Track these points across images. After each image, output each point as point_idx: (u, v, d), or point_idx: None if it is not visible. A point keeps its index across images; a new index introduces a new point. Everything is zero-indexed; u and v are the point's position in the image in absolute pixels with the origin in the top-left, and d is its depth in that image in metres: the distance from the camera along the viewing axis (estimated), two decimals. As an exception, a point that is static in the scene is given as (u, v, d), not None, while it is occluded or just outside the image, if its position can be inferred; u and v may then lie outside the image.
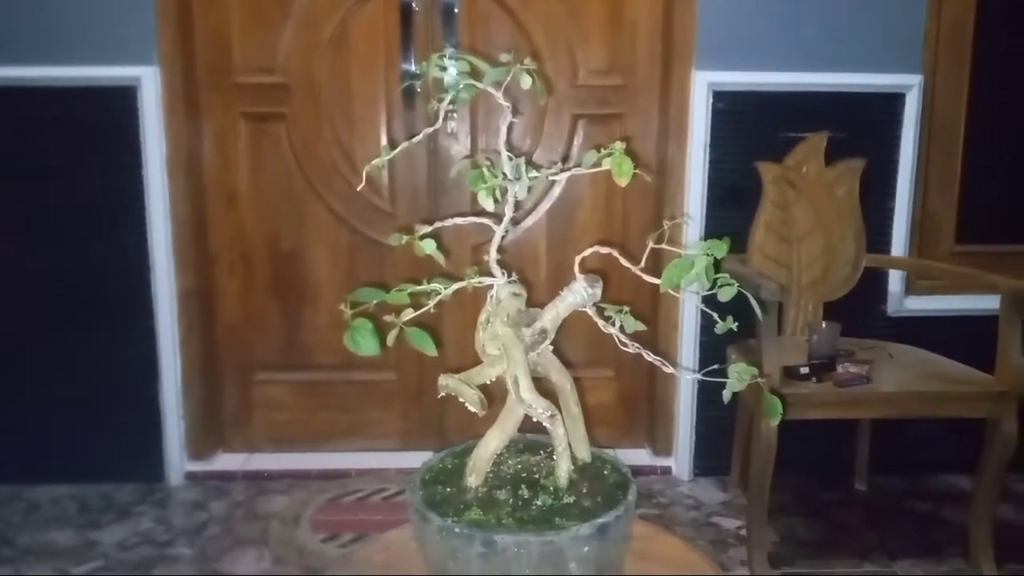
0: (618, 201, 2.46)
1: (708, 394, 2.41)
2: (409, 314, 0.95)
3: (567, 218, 2.47)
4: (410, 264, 2.40)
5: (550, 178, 0.95)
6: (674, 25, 2.28)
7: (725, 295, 0.97)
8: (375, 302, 0.96)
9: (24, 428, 2.36)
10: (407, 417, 2.56)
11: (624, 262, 1.01)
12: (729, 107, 2.28)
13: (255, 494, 2.36)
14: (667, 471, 2.50)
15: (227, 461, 2.51)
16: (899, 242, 2.37)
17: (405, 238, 0.98)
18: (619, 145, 0.96)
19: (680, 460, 2.47)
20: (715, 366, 1.05)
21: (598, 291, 0.99)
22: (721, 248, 0.97)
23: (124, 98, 2.22)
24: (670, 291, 0.96)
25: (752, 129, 2.29)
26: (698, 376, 1.03)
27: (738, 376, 1.00)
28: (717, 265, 0.95)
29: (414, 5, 2.32)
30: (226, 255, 2.46)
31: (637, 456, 2.55)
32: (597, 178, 2.42)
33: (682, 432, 2.45)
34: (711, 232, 2.33)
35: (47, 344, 2.33)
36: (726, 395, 0.99)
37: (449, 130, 2.40)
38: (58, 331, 2.33)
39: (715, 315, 1.00)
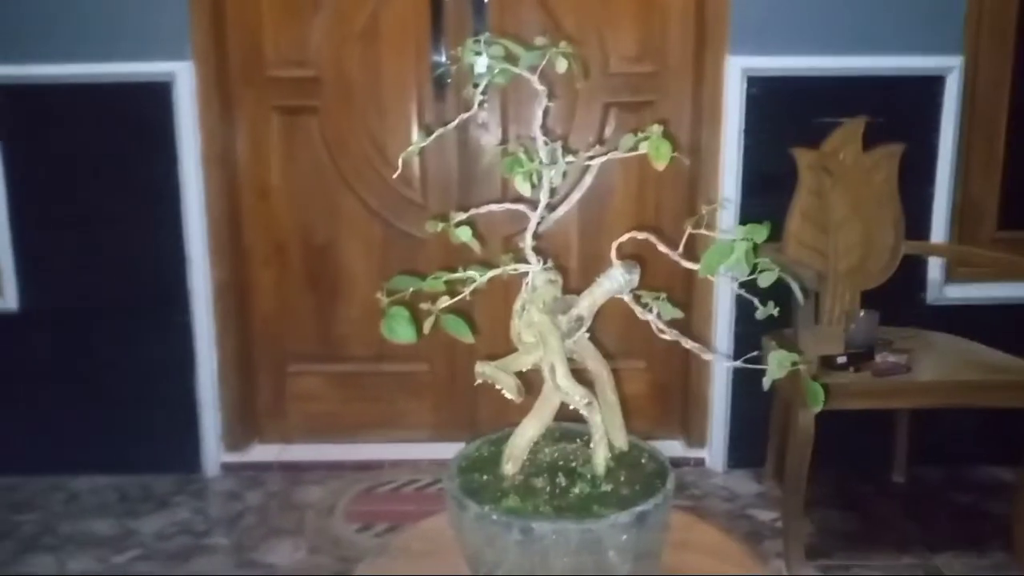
0: (651, 189, 2.44)
1: (742, 385, 2.38)
2: (445, 302, 0.95)
3: (599, 206, 2.45)
4: (443, 255, 2.40)
5: (586, 163, 0.94)
6: (706, 9, 2.25)
7: (765, 280, 0.95)
8: (411, 291, 0.96)
9: (64, 420, 2.41)
10: (439, 408, 2.56)
11: (662, 247, 0.99)
12: (764, 93, 2.25)
13: (290, 485, 2.38)
14: (700, 463, 2.48)
15: (262, 452, 2.53)
16: (939, 229, 2.32)
17: (441, 225, 0.97)
18: (656, 128, 0.94)
19: (714, 452, 2.45)
20: (752, 353, 1.03)
21: (635, 277, 0.97)
22: (761, 232, 0.95)
23: (159, 93, 2.24)
24: (708, 277, 0.95)
25: (787, 115, 2.25)
26: (737, 364, 1.01)
27: (779, 363, 0.99)
28: (756, 250, 0.93)
29: (444, -5, 2.31)
30: (260, 248, 2.48)
31: (670, 448, 2.53)
32: (629, 166, 2.40)
33: (716, 423, 2.43)
34: (746, 220, 2.29)
35: (87, 337, 2.37)
36: (766, 382, 0.97)
37: (480, 120, 2.40)
38: (98, 324, 2.36)
39: (755, 300, 0.98)
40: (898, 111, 2.25)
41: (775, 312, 0.92)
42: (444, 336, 0.97)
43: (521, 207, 0.99)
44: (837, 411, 1.83)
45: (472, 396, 2.52)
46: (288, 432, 2.58)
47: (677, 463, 2.47)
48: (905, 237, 2.25)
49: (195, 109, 2.25)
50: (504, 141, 2.41)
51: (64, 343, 2.38)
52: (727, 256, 0.94)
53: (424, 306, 0.95)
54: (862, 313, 2.06)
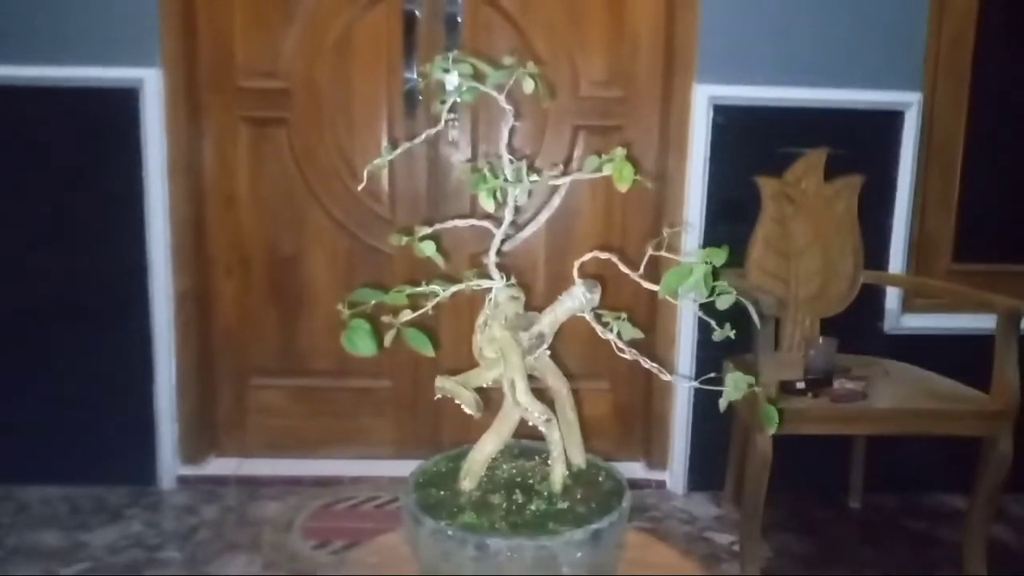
0: (617, 213, 2.46)
1: (704, 408, 2.41)
2: (407, 315, 0.95)
3: (566, 228, 2.47)
4: (409, 270, 2.40)
5: (551, 182, 0.95)
6: (676, 38, 2.29)
7: (723, 303, 0.97)
8: (373, 303, 0.96)
9: (16, 428, 2.35)
10: (401, 425, 2.55)
11: (623, 268, 1.01)
12: (729, 121, 2.29)
13: (247, 499, 2.34)
14: (661, 485, 2.49)
15: (220, 466, 2.49)
16: (897, 260, 2.38)
17: (405, 239, 0.97)
18: (620, 151, 0.96)
19: (675, 474, 2.46)
20: (712, 374, 1.04)
21: (596, 296, 0.99)
22: (720, 256, 0.97)
23: (126, 99, 2.22)
24: (668, 299, 0.97)
25: (752, 143, 2.30)
26: (694, 384, 1.03)
27: (735, 385, 1.00)
28: (716, 274, 0.95)
29: (417, 13, 2.32)
30: (224, 258, 2.45)
31: (631, 469, 2.54)
32: (596, 189, 2.43)
33: (677, 446, 2.45)
34: (709, 245, 2.32)
35: (43, 343, 2.32)
36: (722, 404, 0.99)
37: (450, 139, 2.41)
38: (54, 330, 2.32)
39: (713, 322, 1.00)
40: (859, 144, 2.30)
41: (731, 335, 0.94)
42: (407, 353, 0.97)
43: (486, 224, 0.99)
44: (795, 436, 1.86)
45: (434, 414, 2.51)
46: (247, 446, 2.55)
47: (638, 485, 2.48)
48: (864, 267, 2.30)
49: (162, 116, 2.23)
50: (474, 159, 2.42)
51: (17, 348, 2.32)
52: (686, 278, 0.96)
53: (386, 319, 0.95)
54: (821, 340, 2.09)
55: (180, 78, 2.26)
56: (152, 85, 2.21)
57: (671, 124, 2.32)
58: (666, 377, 1.02)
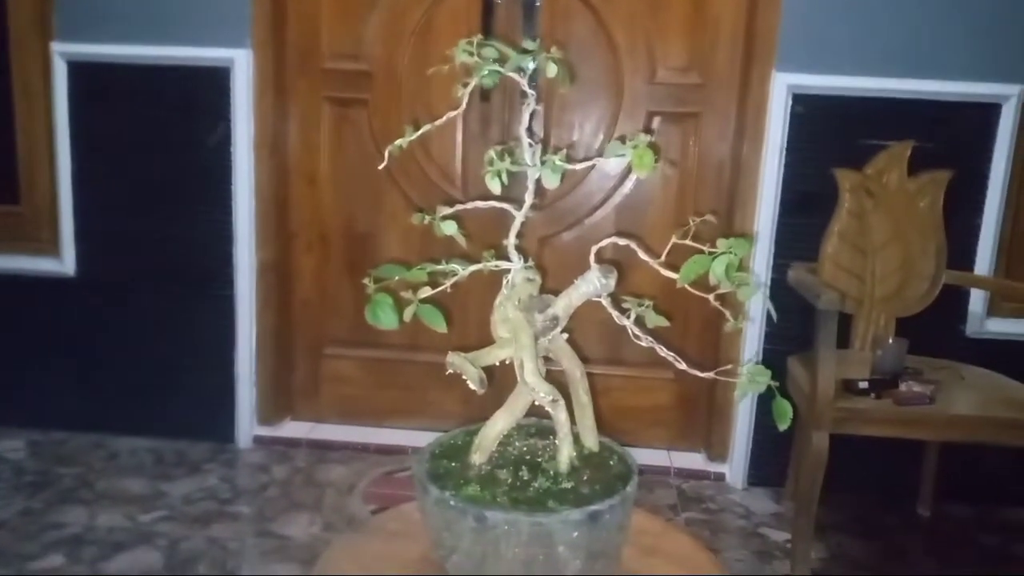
0: (689, 201, 2.43)
1: (768, 402, 2.35)
2: (425, 291, 1.00)
3: (636, 216, 2.46)
4: (476, 251, 2.44)
5: (568, 167, 0.97)
6: (757, 25, 2.24)
7: (743, 295, 0.97)
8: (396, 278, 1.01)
9: (111, 382, 2.54)
10: (467, 400, 2.60)
11: (643, 255, 1.02)
12: (809, 111, 2.22)
13: (316, 462, 2.46)
14: (721, 477, 2.46)
15: (293, 429, 2.63)
16: (984, 261, 2.25)
17: (427, 218, 1.02)
18: (643, 137, 0.97)
19: (735, 467, 2.43)
20: (728, 366, 1.04)
21: (611, 282, 1.00)
22: (744, 247, 0.97)
23: (218, 78, 2.35)
24: (686, 286, 0.97)
25: (831, 135, 2.22)
26: (710, 376, 1.03)
27: (751, 378, 1.00)
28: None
29: (496, -2, 2.36)
30: (304, 233, 2.57)
31: (692, 460, 2.52)
32: (669, 177, 2.41)
33: (739, 439, 2.41)
34: (782, 238, 2.28)
35: (135, 306, 2.50)
36: (737, 396, 0.99)
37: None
38: (146, 294, 2.49)
39: (727, 312, 1.00)
40: (949, 138, 2.19)
41: (741, 326, 0.94)
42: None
43: (505, 206, 1.02)
44: (864, 437, 1.81)
45: (499, 390, 2.55)
46: (320, 411, 2.67)
47: (697, 476, 2.46)
48: (948, 267, 2.20)
49: (250, 95, 2.35)
50: (546, 144, 2.44)
51: (115, 309, 2.51)
52: (705, 268, 0.96)
53: (405, 295, 1.00)
54: (891, 340, 2.02)
55: (269, 59, 2.36)
56: (242, 65, 2.33)
57: (748, 112, 2.27)
58: (681, 366, 1.02)
